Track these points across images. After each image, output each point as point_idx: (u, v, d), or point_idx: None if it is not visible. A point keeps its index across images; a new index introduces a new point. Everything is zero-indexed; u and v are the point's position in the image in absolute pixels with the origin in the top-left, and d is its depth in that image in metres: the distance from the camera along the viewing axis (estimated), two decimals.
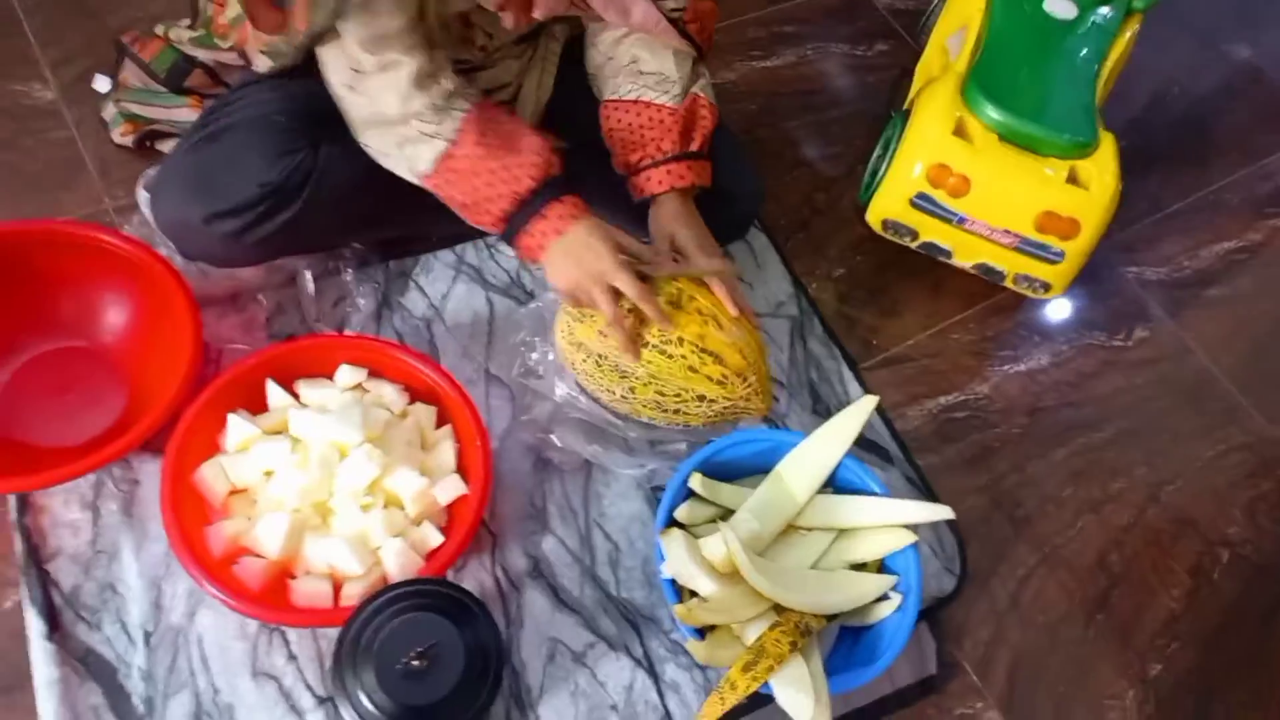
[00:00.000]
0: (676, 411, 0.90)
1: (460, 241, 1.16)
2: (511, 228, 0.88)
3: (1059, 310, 1.33)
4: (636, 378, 0.88)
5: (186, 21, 1.19)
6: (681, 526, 0.88)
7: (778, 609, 0.84)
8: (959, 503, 1.12)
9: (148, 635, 0.85)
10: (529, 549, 0.97)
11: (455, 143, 0.85)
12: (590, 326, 0.89)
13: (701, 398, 0.89)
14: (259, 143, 0.90)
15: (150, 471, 0.91)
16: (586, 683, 0.90)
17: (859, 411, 0.92)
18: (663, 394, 0.89)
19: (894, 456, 1.13)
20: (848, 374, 1.18)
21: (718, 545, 0.80)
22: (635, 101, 0.98)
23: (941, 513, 0.90)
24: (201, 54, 1.16)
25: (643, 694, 0.91)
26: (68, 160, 1.11)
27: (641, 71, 0.99)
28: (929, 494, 1.11)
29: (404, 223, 1.09)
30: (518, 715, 0.88)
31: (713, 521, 0.89)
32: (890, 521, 0.90)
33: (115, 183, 1.11)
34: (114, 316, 0.97)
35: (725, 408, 0.89)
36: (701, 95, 1.00)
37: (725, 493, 0.89)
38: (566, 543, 0.98)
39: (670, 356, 0.87)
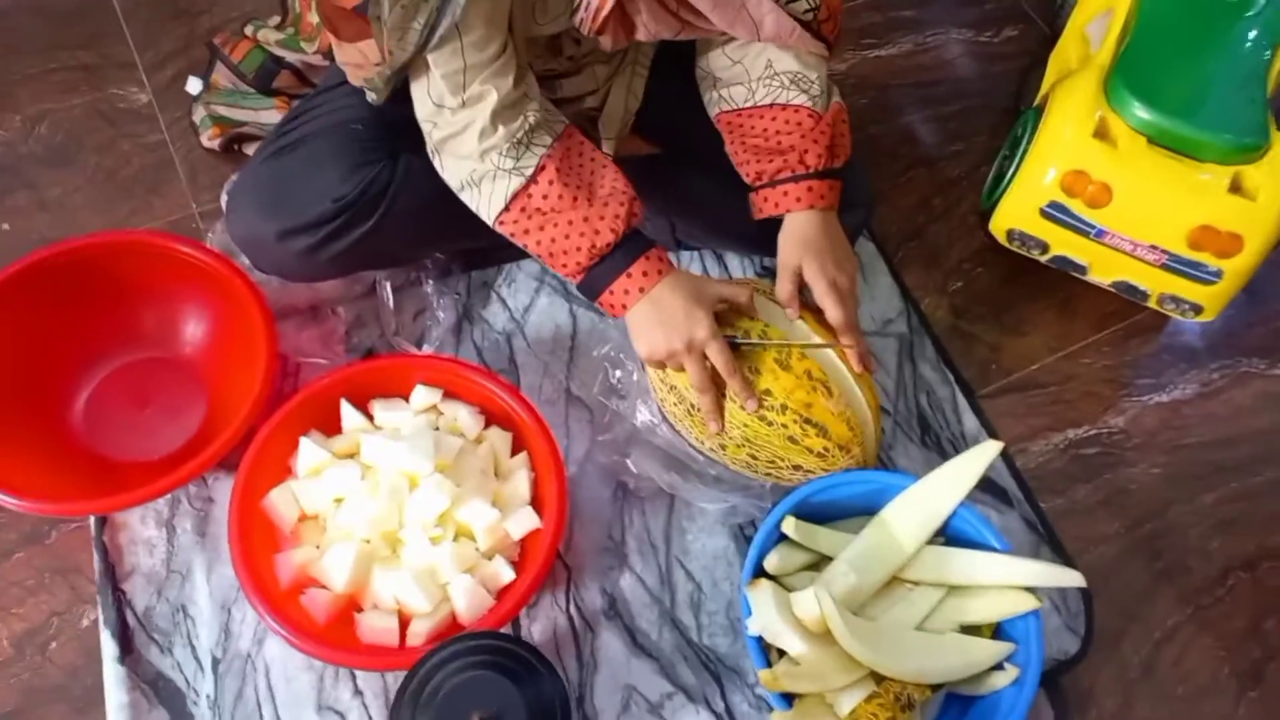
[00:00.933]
0: (769, 474, 0.84)
1: None
2: (591, 282, 0.81)
3: (1210, 333, 1.18)
4: (730, 437, 0.82)
5: (276, 20, 1.17)
6: (772, 577, 0.81)
7: (876, 677, 0.76)
8: (1087, 552, 1.00)
9: (216, 662, 0.83)
10: (606, 586, 0.91)
11: (533, 180, 0.79)
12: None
13: (798, 467, 0.82)
14: (335, 155, 0.87)
15: (225, 489, 0.89)
16: None
17: (981, 456, 0.81)
18: (755, 457, 0.81)
19: (1013, 498, 1.02)
20: (963, 402, 1.07)
21: (810, 603, 0.72)
22: (771, 105, 0.88)
23: (1071, 578, 0.79)
24: (289, 55, 1.14)
25: None
26: (159, 164, 1.11)
27: (776, 72, 0.89)
28: (1053, 541, 1.00)
29: (486, 234, 1.04)
30: None
31: (807, 569, 0.81)
32: (1010, 582, 0.80)
33: (203, 187, 1.10)
34: (193, 329, 0.95)
35: (822, 477, 0.82)
36: (841, 104, 0.90)
37: (823, 538, 0.81)
38: (645, 581, 0.91)
39: (770, 424, 0.80)
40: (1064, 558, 0.99)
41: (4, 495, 0.79)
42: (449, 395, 0.92)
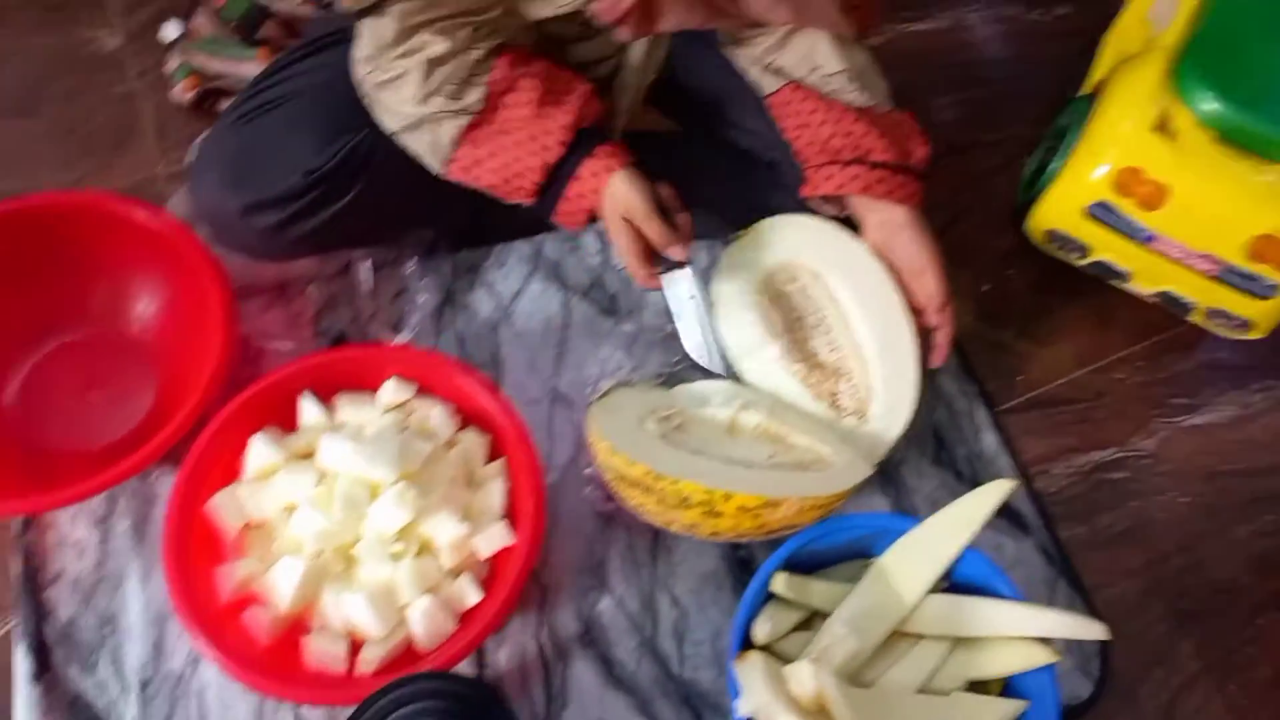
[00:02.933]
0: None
1: (541, 231, 1.01)
2: (548, 202, 0.77)
3: (1254, 351, 1.08)
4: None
5: None
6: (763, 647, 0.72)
7: None
8: (1107, 587, 0.92)
9: (144, 684, 0.76)
10: (583, 610, 0.84)
11: (479, 115, 0.74)
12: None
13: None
14: (311, 120, 0.79)
15: (169, 486, 0.82)
16: None
17: (990, 496, 0.73)
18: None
19: (1030, 524, 0.94)
20: (983, 417, 0.98)
21: (807, 679, 0.64)
22: (832, 102, 0.83)
23: (1091, 630, 0.71)
24: (278, 2, 1.04)
25: None
26: (125, 118, 1.03)
27: (829, 74, 0.84)
28: (1069, 574, 0.92)
29: (474, 210, 0.96)
30: None
31: (802, 628, 0.73)
32: (1022, 633, 0.72)
33: (171, 146, 1.02)
34: (145, 305, 0.88)
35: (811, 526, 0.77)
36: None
37: (816, 593, 0.73)
38: (626, 605, 0.84)
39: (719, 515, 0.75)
40: (1082, 593, 0.91)
41: None
42: (422, 391, 0.84)
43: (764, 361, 0.85)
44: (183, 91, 1.02)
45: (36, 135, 1.01)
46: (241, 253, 0.86)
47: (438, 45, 0.72)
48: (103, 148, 1.01)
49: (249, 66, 1.04)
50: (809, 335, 0.87)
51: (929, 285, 0.82)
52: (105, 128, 1.02)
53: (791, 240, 0.89)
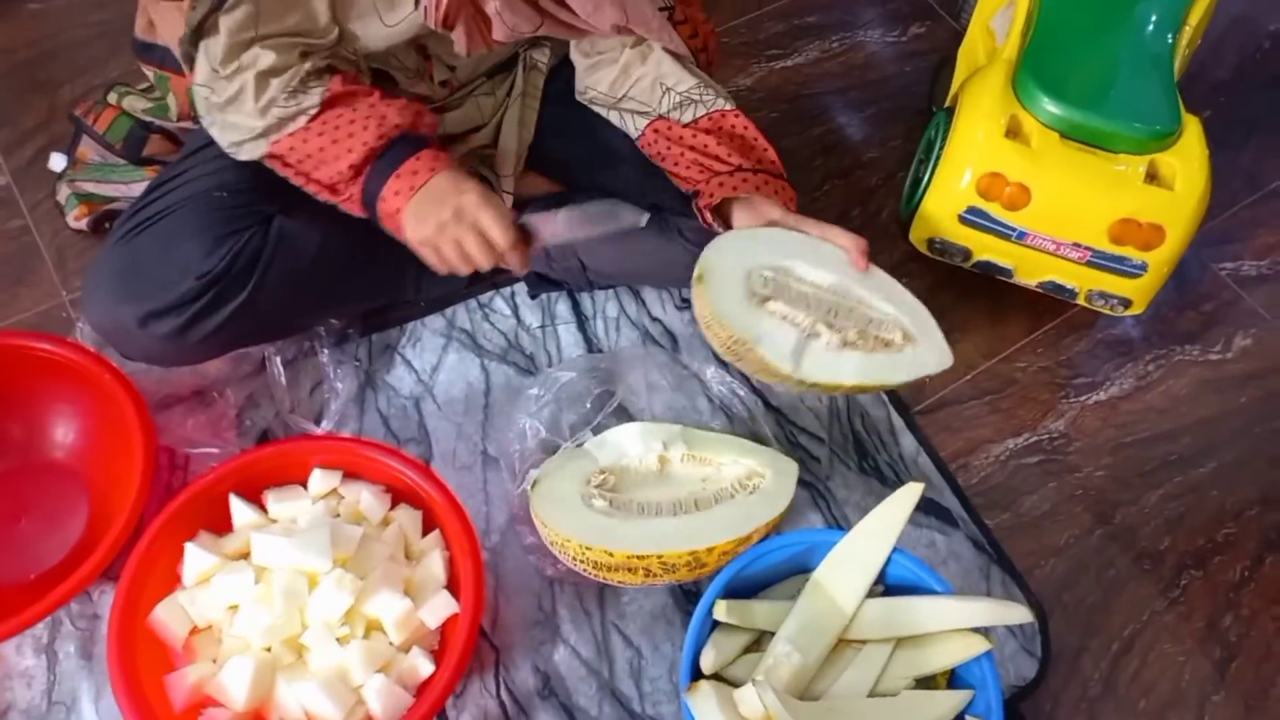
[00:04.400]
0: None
1: (449, 304, 1.04)
2: (367, 199, 0.78)
3: (1142, 324, 1.15)
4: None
5: (144, 85, 1.10)
6: (714, 675, 0.75)
7: None
8: (1039, 567, 0.97)
9: None
10: (538, 663, 0.85)
11: (315, 115, 0.76)
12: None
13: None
14: (197, 226, 0.80)
15: (110, 604, 0.82)
16: None
17: (905, 500, 0.77)
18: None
19: (958, 517, 0.98)
20: (898, 421, 1.03)
21: (754, 701, 0.66)
22: (695, 120, 0.88)
23: (1017, 615, 0.75)
24: (160, 121, 1.07)
25: None
26: (23, 251, 1.03)
27: (679, 92, 0.89)
28: (1002, 560, 0.96)
29: (374, 294, 0.98)
30: None
31: (753, 649, 0.75)
32: (958, 625, 0.75)
33: (72, 273, 1.02)
34: (64, 430, 0.88)
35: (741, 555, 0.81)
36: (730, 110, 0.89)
37: (759, 613, 0.76)
38: (581, 652, 0.86)
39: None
40: (1015, 576, 0.95)
41: None
42: (351, 476, 0.85)
43: (819, 353, 0.81)
44: (77, 218, 1.03)
45: None
46: (148, 362, 0.86)
47: (268, 58, 0.74)
48: (4, 282, 1.01)
49: (140, 186, 1.05)
50: (823, 314, 0.85)
51: (843, 238, 0.84)
52: (6, 262, 1.02)
53: (742, 252, 0.86)
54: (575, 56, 0.94)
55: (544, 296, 1.06)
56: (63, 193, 1.05)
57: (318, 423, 0.93)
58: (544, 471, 0.84)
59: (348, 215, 0.82)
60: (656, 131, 0.89)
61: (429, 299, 1.03)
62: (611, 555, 0.77)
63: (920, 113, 1.27)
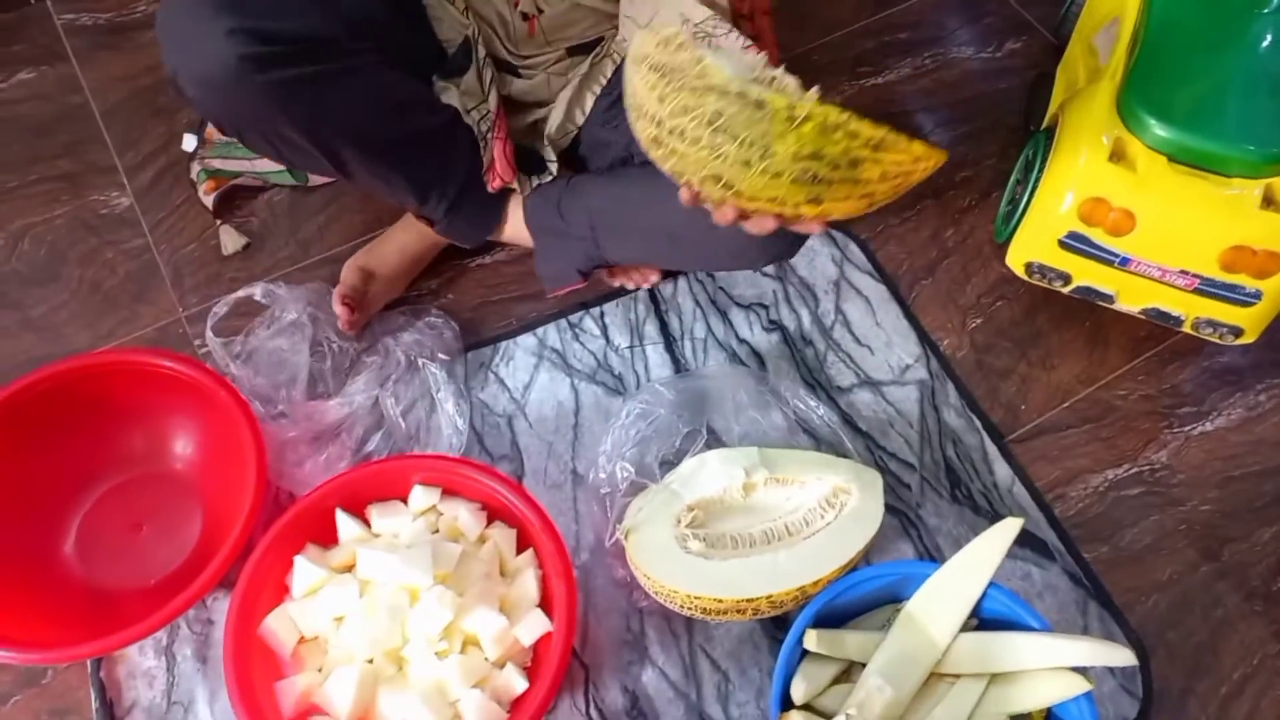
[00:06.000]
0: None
1: (540, 324, 1.06)
2: None
3: (1253, 352, 1.10)
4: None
5: None
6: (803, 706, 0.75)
7: None
8: (1140, 604, 0.94)
9: None
10: (627, 683, 0.86)
11: None
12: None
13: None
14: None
15: (225, 609, 0.85)
16: None
17: (1001, 536, 0.76)
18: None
19: (1054, 550, 0.95)
20: (992, 449, 1.01)
21: None
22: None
23: (1119, 656, 0.73)
24: None
25: None
26: (144, 269, 1.09)
27: (697, 22, 0.83)
28: (1100, 595, 0.93)
29: (417, 174, 0.94)
30: None
31: (842, 680, 0.75)
32: (1055, 664, 0.74)
33: (189, 290, 1.08)
34: (183, 443, 0.93)
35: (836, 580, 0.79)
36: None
37: (850, 643, 0.75)
38: (669, 674, 0.87)
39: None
40: (1114, 612, 0.93)
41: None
42: (449, 493, 0.88)
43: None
44: (206, 193, 1.10)
45: (63, 299, 1.07)
46: (200, 90, 0.76)
47: None
48: (126, 300, 1.07)
49: (264, 162, 1.12)
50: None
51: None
52: (126, 281, 1.08)
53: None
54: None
55: (632, 317, 1.07)
56: (194, 169, 1.13)
57: (417, 441, 0.96)
58: (636, 520, 0.84)
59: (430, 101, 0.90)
60: None
61: (448, 230, 1.01)
62: (721, 601, 0.78)
63: (1015, 130, 1.25)
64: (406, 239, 1.04)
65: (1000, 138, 1.25)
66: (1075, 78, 1.15)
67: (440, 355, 1.00)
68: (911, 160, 0.59)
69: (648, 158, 0.65)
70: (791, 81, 0.62)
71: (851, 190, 0.59)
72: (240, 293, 0.99)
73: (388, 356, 1.00)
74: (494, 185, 0.96)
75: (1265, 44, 1.04)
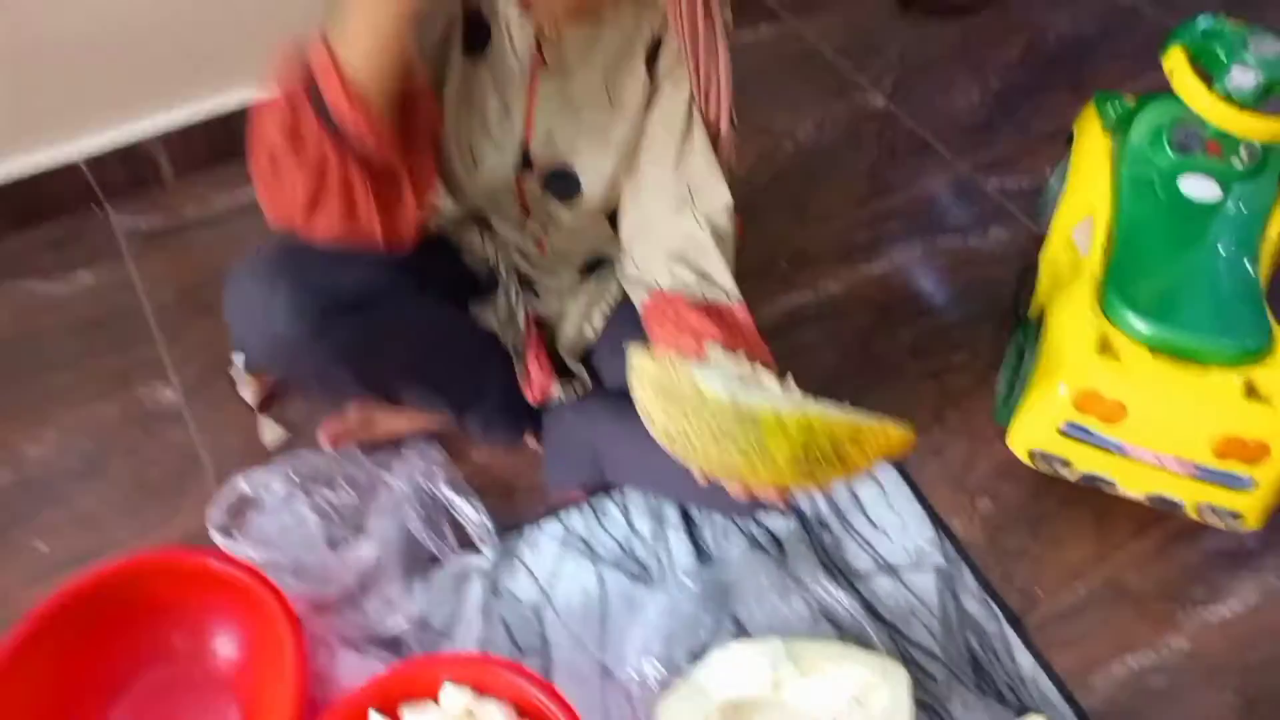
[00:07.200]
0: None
1: (563, 506, 1.10)
2: None
3: (1259, 535, 1.12)
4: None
5: None
6: None
7: None
8: None
9: None
10: None
11: None
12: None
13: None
14: (361, 256, 0.82)
15: None
16: None
17: None
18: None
19: None
20: (1013, 637, 1.02)
21: None
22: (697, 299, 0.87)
23: None
24: None
25: None
26: (187, 463, 1.14)
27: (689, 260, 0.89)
28: None
29: (456, 396, 1.03)
30: None
31: None
32: None
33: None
34: (224, 642, 0.95)
35: None
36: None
37: None
38: None
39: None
40: None
41: None
42: (480, 691, 0.89)
43: None
44: (248, 388, 1.17)
45: (108, 494, 1.11)
46: (262, 348, 0.85)
47: None
48: (167, 493, 1.11)
49: None
50: None
51: None
52: (168, 475, 1.13)
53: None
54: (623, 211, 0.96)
55: (653, 502, 1.11)
56: (236, 367, 1.18)
57: (451, 639, 0.97)
58: None
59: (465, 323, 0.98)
60: (651, 306, 0.89)
61: (482, 439, 1.09)
62: None
63: (1006, 315, 1.32)
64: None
65: (993, 320, 1.33)
66: (1058, 268, 1.23)
67: (469, 540, 1.04)
68: (886, 442, 0.69)
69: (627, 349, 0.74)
70: (772, 381, 0.72)
71: (839, 468, 0.69)
72: (225, 495, 1.04)
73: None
74: (535, 399, 1.00)
75: (1233, 239, 1.12)
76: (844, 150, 1.57)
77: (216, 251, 1.36)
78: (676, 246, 0.89)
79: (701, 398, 0.66)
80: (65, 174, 1.36)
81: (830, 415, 0.67)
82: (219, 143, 1.43)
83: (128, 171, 1.40)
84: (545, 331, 1.05)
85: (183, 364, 1.23)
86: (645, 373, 0.69)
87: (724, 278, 0.88)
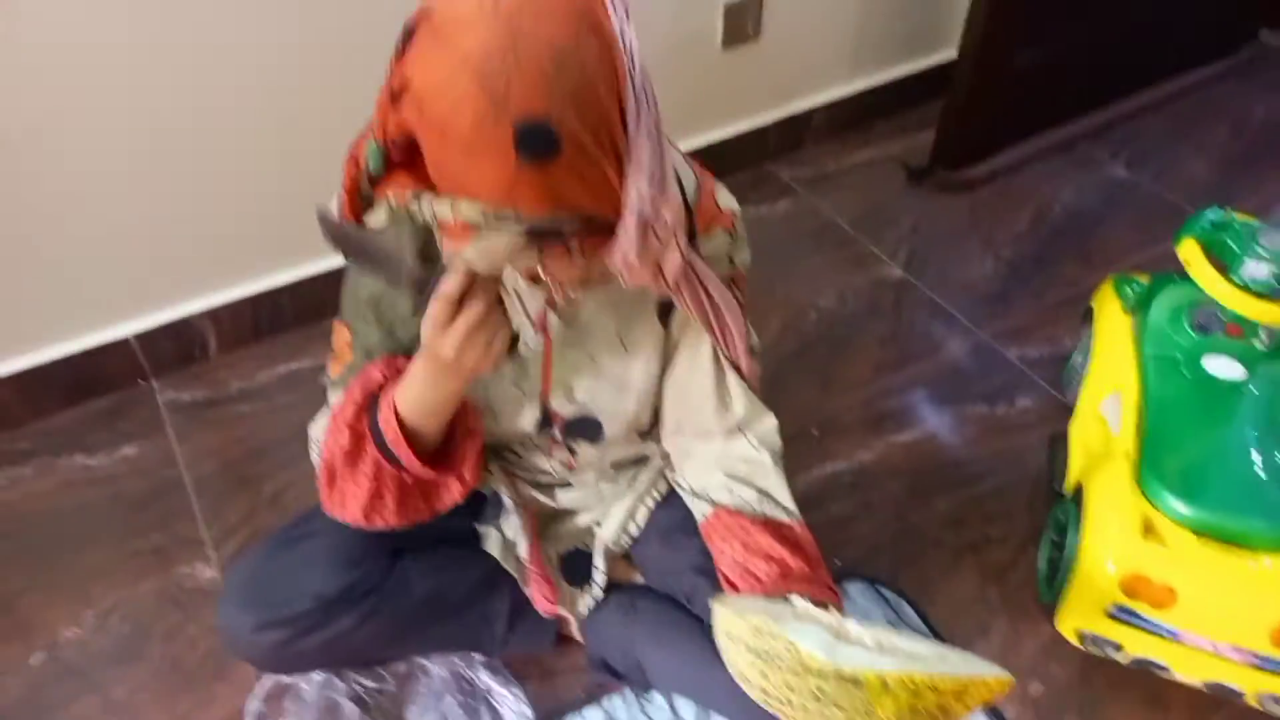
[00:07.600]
0: None
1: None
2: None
3: None
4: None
5: None
6: None
7: None
8: None
9: None
10: None
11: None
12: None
13: None
14: (329, 553, 0.92)
15: None
16: None
17: None
18: None
19: None
20: None
21: None
22: (764, 520, 0.88)
23: None
24: None
25: None
26: (224, 646, 1.12)
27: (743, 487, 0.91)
28: None
29: (462, 639, 1.06)
30: None
31: None
32: None
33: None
34: None
35: None
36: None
37: None
38: None
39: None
40: None
41: None
42: None
43: None
44: None
45: (143, 679, 1.09)
46: (251, 662, 0.96)
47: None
48: (204, 679, 1.09)
49: None
50: None
51: None
52: (206, 658, 1.11)
53: None
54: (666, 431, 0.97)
55: None
56: None
57: None
58: None
59: (462, 563, 0.97)
60: (712, 526, 0.90)
61: (507, 652, 1.08)
62: None
63: (1038, 484, 1.33)
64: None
65: (1025, 491, 1.34)
66: (1090, 442, 1.24)
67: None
68: (989, 694, 0.67)
69: (710, 603, 0.75)
70: (860, 631, 0.71)
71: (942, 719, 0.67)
72: (263, 682, 1.03)
73: None
74: (544, 611, 0.98)
75: (1265, 417, 1.12)
76: (866, 319, 1.62)
77: (258, 423, 1.39)
78: (733, 467, 0.92)
79: (801, 661, 0.65)
80: (115, 349, 1.40)
81: (933, 671, 0.65)
82: (264, 318, 1.48)
83: (176, 347, 1.45)
84: (563, 523, 1.05)
85: (222, 540, 1.23)
86: (737, 635, 0.69)
87: (784, 495, 0.91)
